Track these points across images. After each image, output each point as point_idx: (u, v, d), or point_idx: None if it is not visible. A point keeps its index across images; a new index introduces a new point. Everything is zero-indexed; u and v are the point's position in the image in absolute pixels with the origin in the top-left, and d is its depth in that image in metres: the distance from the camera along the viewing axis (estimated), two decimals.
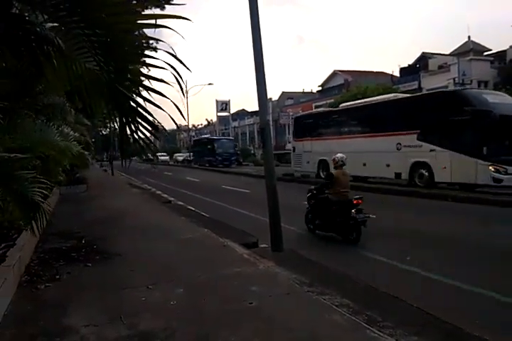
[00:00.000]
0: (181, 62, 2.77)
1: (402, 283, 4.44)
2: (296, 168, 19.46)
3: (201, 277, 4.09)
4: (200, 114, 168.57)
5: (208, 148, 36.46)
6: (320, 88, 56.10)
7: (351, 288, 3.88)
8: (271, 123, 55.21)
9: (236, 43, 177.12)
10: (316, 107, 49.00)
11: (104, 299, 3.55)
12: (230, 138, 43.02)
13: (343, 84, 46.30)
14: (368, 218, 6.12)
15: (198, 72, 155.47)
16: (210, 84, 44.69)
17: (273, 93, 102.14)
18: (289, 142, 45.95)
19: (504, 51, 36.69)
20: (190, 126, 60.97)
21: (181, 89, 2.87)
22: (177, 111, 3.05)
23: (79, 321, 3.06)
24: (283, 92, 63.00)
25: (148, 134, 3.19)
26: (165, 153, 55.73)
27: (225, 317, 3.10)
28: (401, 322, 3.06)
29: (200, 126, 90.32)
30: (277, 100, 61.56)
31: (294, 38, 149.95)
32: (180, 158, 48.64)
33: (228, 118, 58.64)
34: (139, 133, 3.11)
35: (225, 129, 63.49)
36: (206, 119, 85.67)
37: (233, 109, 68.39)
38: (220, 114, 56.60)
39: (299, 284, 3.79)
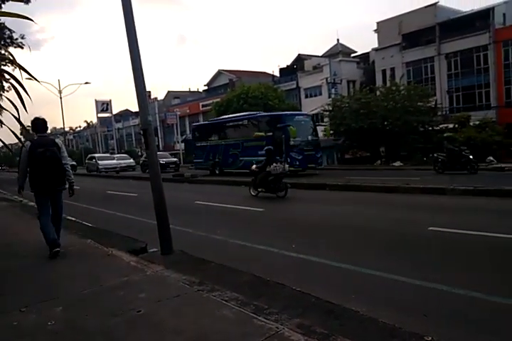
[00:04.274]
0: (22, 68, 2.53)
1: (289, 269, 4.72)
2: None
3: (84, 291, 3.81)
4: (80, 115, 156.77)
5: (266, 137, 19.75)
6: (206, 87, 56.38)
7: (241, 282, 4.00)
8: (158, 123, 53.92)
9: (117, 41, 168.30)
10: (204, 106, 49.31)
11: None
12: (306, 113, 25.01)
13: (228, 84, 47.20)
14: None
15: (76, 71, 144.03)
16: (86, 83, 41.74)
17: (159, 92, 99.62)
18: (178, 142, 45.38)
19: (367, 53, 40.92)
20: (66, 129, 56.10)
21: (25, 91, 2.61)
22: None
23: None
24: (169, 92, 61.84)
25: None
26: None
27: (112, 331, 2.95)
28: (285, 306, 3.25)
29: (78, 129, 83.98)
30: (163, 100, 60.16)
31: (176, 36, 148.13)
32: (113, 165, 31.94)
33: (110, 119, 55.41)
34: None
35: (108, 131, 59.96)
36: (85, 121, 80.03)
37: (116, 110, 64.93)
38: (100, 115, 53.19)
39: (189, 284, 3.77)
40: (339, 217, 8.15)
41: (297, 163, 18.89)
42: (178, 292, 3.63)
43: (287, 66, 46.67)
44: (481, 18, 30.77)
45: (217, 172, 22.71)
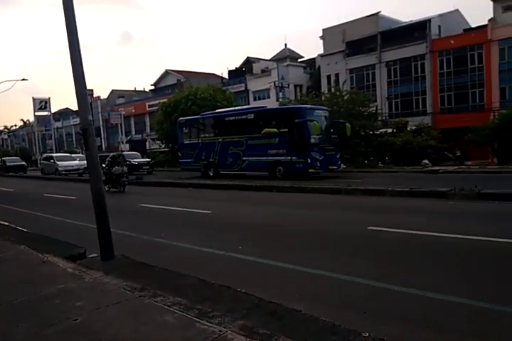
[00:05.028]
0: None
1: (235, 271, 4.72)
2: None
3: (16, 301, 3.57)
4: (16, 113, 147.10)
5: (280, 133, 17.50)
6: (153, 87, 55.12)
7: (185, 285, 3.93)
8: (101, 122, 51.88)
9: (58, 36, 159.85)
10: (150, 106, 48.15)
11: None
12: (325, 108, 20.73)
13: (176, 84, 46.47)
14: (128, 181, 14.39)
15: (13, 67, 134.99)
16: (24, 79, 39.20)
17: (102, 91, 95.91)
18: (123, 143, 43.88)
19: (314, 59, 42.05)
20: (1, 128, 52.46)
21: None
22: None
23: None
24: (113, 90, 59.65)
25: None
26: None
27: None
28: (230, 309, 3.24)
29: (14, 128, 78.76)
30: (107, 99, 57.95)
31: (121, 34, 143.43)
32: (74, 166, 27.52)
33: (49, 117, 52.48)
34: None
35: (46, 130, 56.80)
36: (22, 120, 75.20)
37: (56, 108, 61.71)
38: (38, 113, 50.22)
39: (130, 291, 3.64)
40: (288, 218, 8.27)
41: (318, 163, 16.64)
42: (118, 299, 3.49)
43: (236, 68, 46.86)
44: (419, 29, 32.75)
45: (211, 174, 19.96)
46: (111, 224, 5.09)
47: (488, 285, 4.03)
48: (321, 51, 38.57)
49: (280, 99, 35.08)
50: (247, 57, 46.69)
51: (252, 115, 18.76)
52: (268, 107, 20.35)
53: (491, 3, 29.32)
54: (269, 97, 39.22)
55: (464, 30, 32.60)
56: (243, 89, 41.98)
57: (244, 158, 18.29)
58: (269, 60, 43.79)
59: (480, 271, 4.45)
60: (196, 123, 21.96)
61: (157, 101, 42.55)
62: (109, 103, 55.48)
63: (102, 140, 53.23)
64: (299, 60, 44.06)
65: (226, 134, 19.59)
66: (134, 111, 50.62)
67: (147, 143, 48.37)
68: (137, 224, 7.96)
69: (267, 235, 6.66)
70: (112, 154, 15.50)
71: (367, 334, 2.66)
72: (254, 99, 41.14)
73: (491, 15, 29.20)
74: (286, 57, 42.16)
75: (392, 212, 8.58)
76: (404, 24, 35.09)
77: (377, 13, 34.69)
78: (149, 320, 3.03)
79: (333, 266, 4.69)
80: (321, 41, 38.17)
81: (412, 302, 3.63)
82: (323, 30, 37.74)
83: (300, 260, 4.95)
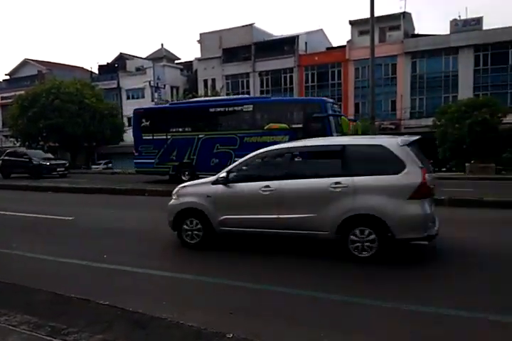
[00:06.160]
0: None
1: (99, 282, 4.39)
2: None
3: None
4: None
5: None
6: (8, 77, 48.66)
7: (38, 301, 3.52)
8: None
9: None
10: (3, 99, 42.30)
11: None
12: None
13: (37, 75, 41.71)
14: None
15: None
16: None
17: None
18: None
19: (191, 62, 42.06)
20: None
21: None
22: None
23: None
24: None
25: None
26: None
27: None
28: (89, 323, 3.01)
29: None
30: None
31: None
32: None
33: None
34: None
35: None
36: None
37: None
38: None
39: None
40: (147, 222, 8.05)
41: None
42: None
43: (108, 64, 44.19)
44: (289, 43, 35.31)
45: (184, 178, 15.52)
46: None
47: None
48: (199, 55, 38.84)
49: (156, 100, 34.21)
50: (121, 53, 44.46)
51: (251, 106, 15.44)
52: (274, 98, 16.62)
53: (350, 26, 33.17)
54: (143, 97, 37.94)
55: (327, 48, 36.26)
56: (115, 86, 39.84)
57: (236, 159, 14.77)
58: (145, 59, 42.40)
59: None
60: (163, 115, 17.41)
61: (12, 94, 37.64)
62: None
63: None
64: (176, 61, 43.63)
65: (210, 129, 15.98)
66: None
67: None
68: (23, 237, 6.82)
69: (133, 241, 6.38)
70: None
71: (231, 335, 2.73)
72: (128, 98, 39.37)
73: (350, 38, 33.03)
74: (163, 57, 41.37)
75: None
76: (275, 38, 37.48)
77: (252, 24, 36.38)
78: None
79: (201, 270, 4.71)
80: (199, 45, 38.46)
81: (269, 298, 3.83)
82: (201, 34, 38.09)
83: (165, 265, 4.86)
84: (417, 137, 5.32)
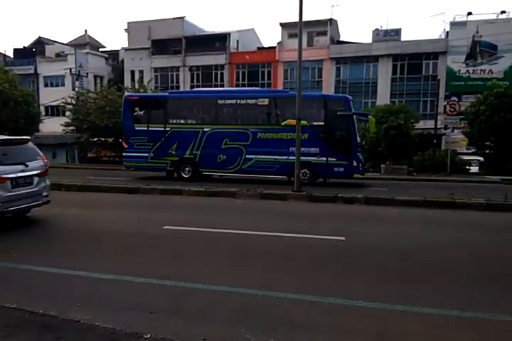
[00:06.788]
0: None
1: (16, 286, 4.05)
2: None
3: None
4: None
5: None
6: None
7: None
8: None
9: None
10: None
11: None
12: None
13: None
14: None
15: None
16: None
17: None
18: None
19: (117, 51, 40.14)
20: None
21: None
22: None
23: None
24: None
25: None
26: None
27: None
28: None
29: None
30: None
31: None
32: None
33: None
34: None
35: None
36: None
37: None
38: None
39: None
40: (88, 220, 7.61)
41: (361, 167, 14.02)
42: None
43: (24, 47, 40.61)
44: (220, 40, 35.17)
45: (185, 175, 14.84)
46: None
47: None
48: (126, 44, 37.21)
49: (77, 89, 32.16)
50: (39, 37, 41.09)
51: (266, 100, 14.38)
52: (292, 92, 15.74)
53: (280, 28, 33.89)
54: (63, 85, 35.53)
55: (258, 48, 36.73)
56: (32, 72, 36.82)
57: (248, 156, 13.70)
58: (66, 45, 39.62)
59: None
60: (162, 104, 15.79)
61: None
62: None
63: None
64: (101, 49, 41.36)
65: (218, 122, 14.82)
66: None
67: None
68: None
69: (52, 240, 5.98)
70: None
71: (148, 336, 2.67)
72: (46, 85, 36.63)
73: (280, 39, 33.75)
74: (86, 44, 38.98)
75: (187, 210, 8.91)
76: (207, 33, 37.13)
77: (183, 17, 35.66)
78: None
79: (129, 269, 4.55)
80: (126, 34, 36.83)
81: (198, 297, 3.82)
82: (129, 23, 36.50)
83: (91, 265, 4.62)
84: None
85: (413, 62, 30.71)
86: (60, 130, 29.13)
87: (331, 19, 32.71)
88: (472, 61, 29.34)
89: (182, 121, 15.28)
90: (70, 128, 28.22)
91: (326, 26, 32.52)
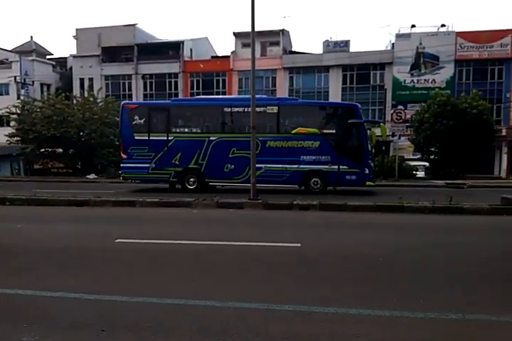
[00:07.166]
0: None
1: None
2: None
3: None
4: None
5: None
6: None
7: None
8: None
9: None
10: None
11: None
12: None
13: None
14: None
15: None
16: None
17: None
18: None
19: (65, 58, 38.82)
20: None
21: None
22: None
23: None
24: None
25: None
26: None
27: None
28: None
29: None
30: None
31: None
32: None
33: None
34: None
35: None
36: None
37: None
38: None
39: None
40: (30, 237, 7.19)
41: (371, 175, 14.01)
42: None
43: None
44: (174, 48, 34.95)
45: (189, 186, 14.22)
46: None
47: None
48: (74, 51, 36.03)
49: (22, 97, 30.67)
50: None
51: (276, 108, 14.03)
52: (301, 100, 15.51)
53: (234, 37, 34.21)
54: (7, 94, 33.81)
55: (212, 56, 36.81)
56: None
57: (256, 165, 12.24)
58: (11, 51, 37.74)
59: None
60: (164, 112, 14.92)
61: None
62: None
63: None
64: (48, 56, 39.77)
65: (225, 130, 14.33)
66: None
67: None
68: None
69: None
70: None
71: None
72: None
73: (234, 49, 34.04)
74: (32, 51, 37.36)
75: (142, 222, 8.68)
76: (160, 41, 36.76)
77: (135, 24, 35.14)
78: None
79: (78, 285, 4.34)
80: (75, 41, 35.70)
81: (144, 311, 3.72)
82: (77, 30, 35.47)
83: (30, 283, 4.37)
84: None
85: (361, 73, 32.02)
86: (4, 141, 27.57)
87: (283, 30, 33.49)
88: (416, 71, 31.07)
89: (186, 130, 14.74)
90: (15, 138, 26.82)
91: (279, 36, 33.25)
